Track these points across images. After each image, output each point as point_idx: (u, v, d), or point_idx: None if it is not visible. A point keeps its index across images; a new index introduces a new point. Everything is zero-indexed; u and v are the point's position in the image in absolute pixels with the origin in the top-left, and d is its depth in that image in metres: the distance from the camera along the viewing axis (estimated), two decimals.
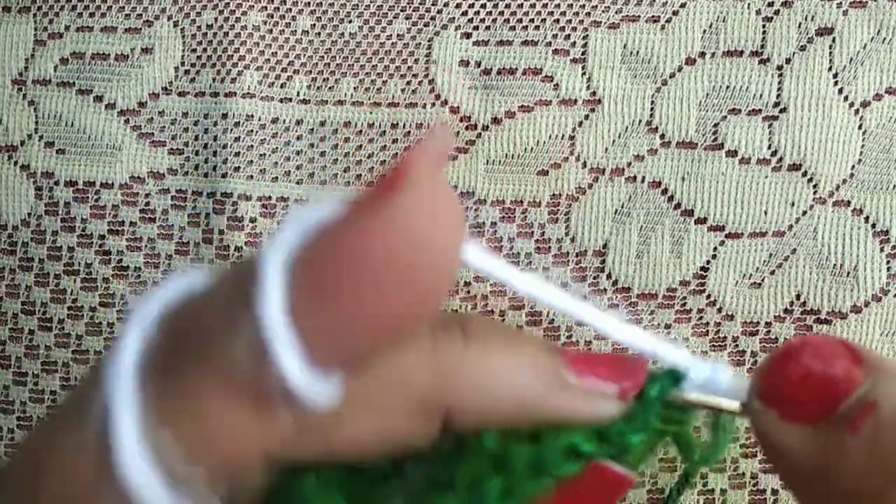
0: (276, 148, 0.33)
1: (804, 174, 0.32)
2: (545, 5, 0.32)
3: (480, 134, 0.32)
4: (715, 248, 0.32)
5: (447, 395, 0.18)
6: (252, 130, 0.33)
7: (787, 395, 0.19)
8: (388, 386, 0.17)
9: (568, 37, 0.32)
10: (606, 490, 0.19)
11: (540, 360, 0.19)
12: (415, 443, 0.19)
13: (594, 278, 0.32)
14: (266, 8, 0.33)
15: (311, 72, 0.33)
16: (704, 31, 0.32)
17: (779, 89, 0.32)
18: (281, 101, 0.33)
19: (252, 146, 0.33)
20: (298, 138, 0.33)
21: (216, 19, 0.33)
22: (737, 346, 0.33)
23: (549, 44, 0.32)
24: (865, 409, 0.18)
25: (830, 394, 0.18)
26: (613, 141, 0.32)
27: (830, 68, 0.32)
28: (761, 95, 0.32)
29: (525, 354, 0.19)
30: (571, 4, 0.32)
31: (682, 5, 0.32)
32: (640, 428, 0.20)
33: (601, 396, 0.20)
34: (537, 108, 0.32)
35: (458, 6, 0.33)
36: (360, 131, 0.33)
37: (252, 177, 0.33)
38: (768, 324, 0.32)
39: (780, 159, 0.32)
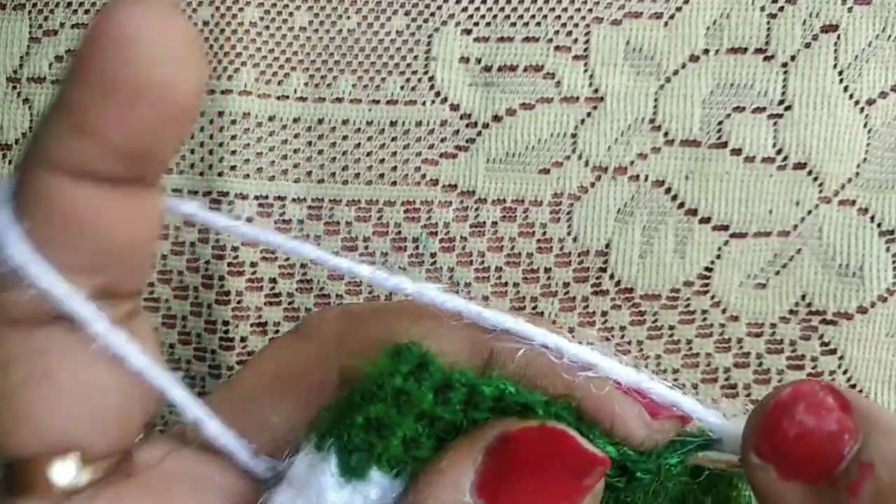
0: (273, 146, 0.33)
1: (809, 173, 0.32)
2: (546, 1, 0.32)
3: (481, 132, 0.32)
4: (719, 248, 0.32)
5: None
6: (248, 128, 0.32)
7: (783, 452, 0.19)
8: None
9: (570, 33, 0.32)
10: (570, 465, 0.19)
11: None
12: None
13: (596, 279, 0.32)
14: (263, 4, 0.33)
15: (308, 69, 0.33)
16: (708, 27, 0.32)
17: (783, 87, 0.32)
18: (278, 98, 0.33)
19: (249, 144, 0.32)
20: (296, 136, 0.33)
21: (212, 16, 0.33)
22: (741, 347, 0.32)
23: (551, 40, 0.32)
24: (863, 470, 0.18)
25: (828, 452, 0.18)
26: (616, 139, 0.32)
27: (835, 66, 0.32)
28: (766, 93, 0.32)
29: None
30: (573, 0, 0.32)
31: (686, 1, 0.32)
32: (650, 466, 0.20)
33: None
34: (539, 105, 0.32)
35: (458, 2, 0.32)
36: (359, 129, 0.33)
37: (248, 175, 0.32)
38: (773, 325, 0.32)
39: (785, 158, 0.32)
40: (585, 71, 0.32)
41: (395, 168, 0.33)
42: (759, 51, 0.32)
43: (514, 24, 0.32)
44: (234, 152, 0.32)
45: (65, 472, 0.18)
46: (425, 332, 0.20)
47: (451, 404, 0.19)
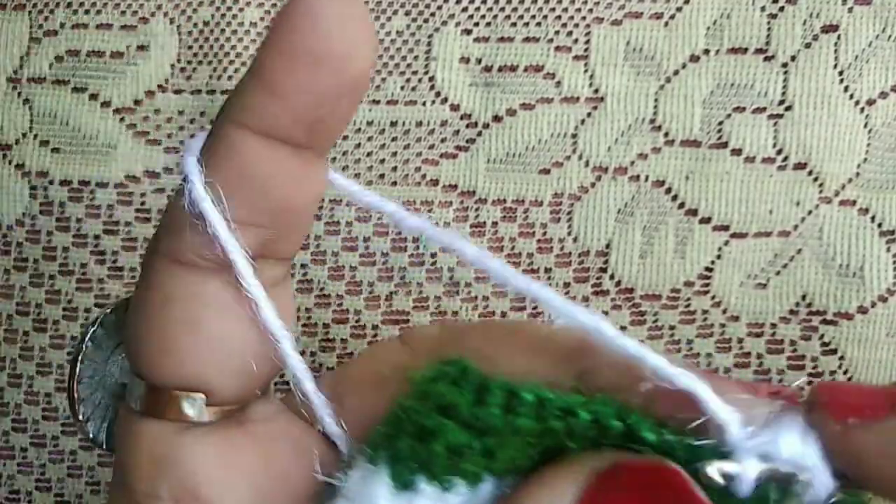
0: None
1: (809, 173, 0.32)
2: (547, 1, 0.32)
3: (481, 132, 0.32)
4: (719, 248, 0.32)
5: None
6: None
7: (851, 393, 0.19)
8: None
9: (570, 33, 0.32)
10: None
11: None
12: None
13: (597, 279, 0.32)
14: (263, 4, 0.33)
15: None
16: (708, 27, 0.32)
17: (784, 87, 0.32)
18: None
19: None
20: None
21: (212, 16, 0.33)
22: (742, 347, 0.32)
23: (551, 40, 0.32)
24: None
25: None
26: (616, 139, 0.32)
27: (836, 66, 0.32)
28: (766, 93, 0.32)
29: None
30: (574, 0, 0.32)
31: (686, 1, 0.32)
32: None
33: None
34: (539, 105, 0.32)
35: (458, 2, 0.32)
36: (359, 129, 0.33)
37: None
38: (774, 325, 0.32)
39: (786, 158, 0.32)
40: (586, 71, 0.32)
41: (395, 168, 0.33)
42: (759, 51, 0.32)
43: (514, 25, 0.32)
44: None
45: (192, 407, 0.20)
46: (515, 351, 0.21)
47: (490, 407, 0.18)
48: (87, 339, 0.23)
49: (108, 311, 0.23)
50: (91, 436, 0.23)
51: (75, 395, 0.22)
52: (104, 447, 0.23)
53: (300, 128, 0.19)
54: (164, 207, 0.33)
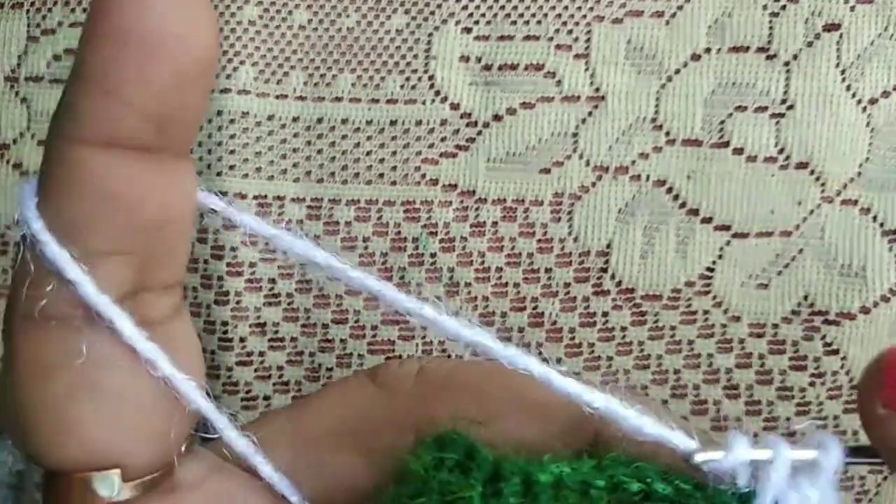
0: (272, 145, 0.33)
1: (811, 172, 0.32)
2: (547, 0, 0.32)
3: (481, 131, 0.32)
4: (721, 248, 0.32)
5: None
6: (247, 128, 0.32)
7: None
8: None
9: (571, 32, 0.32)
10: None
11: None
12: None
13: (597, 279, 0.32)
14: (262, 2, 0.33)
15: (307, 67, 0.33)
16: (710, 26, 0.32)
17: (786, 86, 0.32)
18: (277, 97, 0.32)
19: (247, 143, 0.32)
20: (295, 136, 0.33)
21: None
22: (743, 347, 0.32)
23: (552, 39, 0.32)
24: None
25: None
26: (617, 138, 0.32)
27: (838, 65, 0.32)
28: (768, 92, 0.32)
29: None
30: None
31: (688, 0, 0.32)
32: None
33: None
34: (539, 104, 0.32)
35: (458, 0, 0.32)
36: (358, 128, 0.33)
37: (247, 175, 0.32)
38: (775, 325, 0.32)
39: (787, 157, 0.32)
40: (586, 70, 0.32)
41: (394, 167, 0.33)
42: (761, 50, 0.32)
43: (514, 23, 0.32)
44: (232, 152, 0.32)
45: (105, 488, 0.17)
46: (512, 411, 0.19)
47: (504, 497, 0.17)
48: None
49: None
50: None
51: None
52: None
53: (146, 127, 0.16)
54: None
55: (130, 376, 0.17)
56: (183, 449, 0.18)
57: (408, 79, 0.32)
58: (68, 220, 0.16)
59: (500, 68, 0.32)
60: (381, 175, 0.33)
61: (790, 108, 0.32)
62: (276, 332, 0.33)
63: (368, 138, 0.33)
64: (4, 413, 0.18)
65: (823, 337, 0.32)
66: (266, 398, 0.33)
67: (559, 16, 0.32)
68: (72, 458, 0.17)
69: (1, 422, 0.18)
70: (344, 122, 0.33)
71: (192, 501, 0.18)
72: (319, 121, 0.33)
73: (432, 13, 0.32)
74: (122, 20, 0.15)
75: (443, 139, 0.32)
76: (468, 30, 0.32)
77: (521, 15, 0.32)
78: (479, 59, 0.32)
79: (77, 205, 0.16)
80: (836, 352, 0.32)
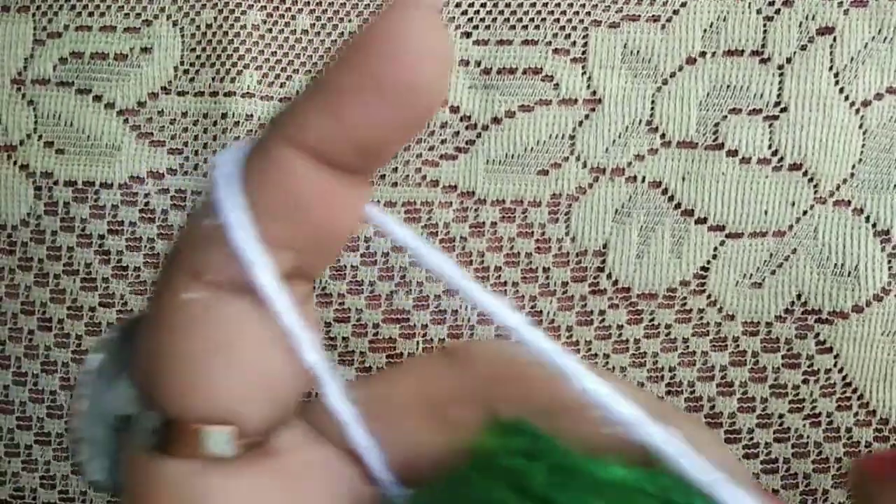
0: None
1: (805, 174, 0.32)
2: (545, 4, 0.32)
3: (480, 133, 0.32)
4: (715, 248, 0.32)
5: None
6: (251, 130, 0.33)
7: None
8: None
9: (568, 36, 0.32)
10: None
11: None
12: None
13: (594, 278, 0.32)
14: (265, 7, 0.33)
15: (310, 71, 0.33)
16: (705, 30, 0.32)
17: (779, 89, 0.32)
18: (280, 100, 0.33)
19: None
20: None
21: (215, 18, 0.33)
22: (737, 346, 0.32)
23: (550, 43, 0.32)
24: None
25: None
26: (614, 140, 0.32)
27: (831, 68, 0.32)
28: (762, 95, 0.32)
29: None
30: (572, 4, 0.32)
31: (683, 4, 0.32)
32: None
33: None
34: (537, 107, 0.32)
35: (457, 5, 0.32)
36: None
37: None
38: (769, 324, 0.32)
39: (781, 159, 0.32)
40: (583, 73, 0.32)
41: (395, 169, 0.33)
42: (755, 53, 0.32)
43: (513, 28, 0.32)
44: None
45: (217, 442, 0.18)
46: (571, 409, 0.19)
47: (571, 491, 0.17)
48: (90, 368, 0.20)
49: (112, 333, 0.20)
50: (94, 478, 0.20)
51: (76, 433, 0.19)
52: (110, 491, 0.20)
53: (357, 154, 0.17)
54: (167, 208, 0.33)
55: (264, 343, 0.18)
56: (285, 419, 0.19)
57: None
58: (262, 207, 0.17)
59: (498, 72, 0.32)
60: (383, 176, 0.33)
61: (784, 110, 0.32)
62: None
63: None
64: (137, 358, 0.19)
65: (817, 335, 0.32)
66: None
67: (557, 20, 0.32)
68: (195, 408, 0.18)
69: (130, 364, 0.19)
70: None
71: (288, 466, 0.19)
72: None
73: None
74: (376, 62, 0.16)
75: (443, 141, 0.33)
76: (468, 34, 0.33)
77: (520, 20, 0.32)
78: (478, 63, 0.32)
79: (274, 198, 0.17)
80: (829, 350, 0.32)
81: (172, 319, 0.18)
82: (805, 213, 0.32)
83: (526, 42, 0.32)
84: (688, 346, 0.32)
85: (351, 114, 0.17)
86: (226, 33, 0.33)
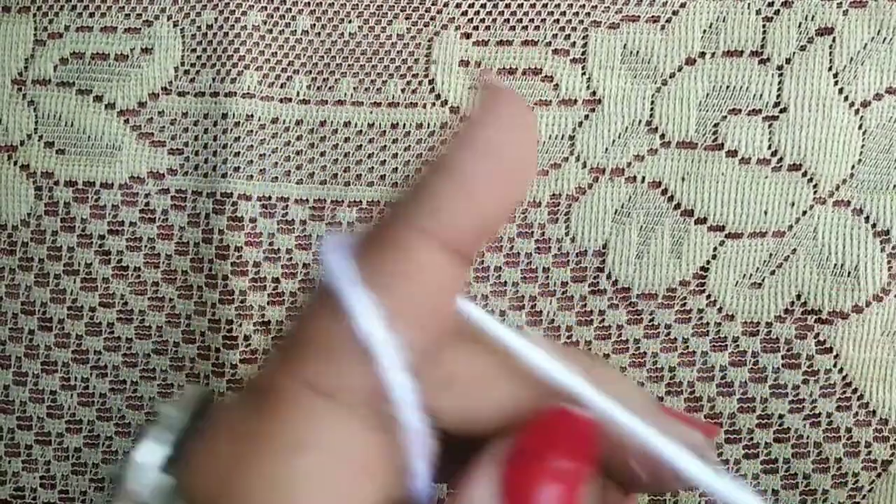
0: (276, 148, 0.33)
1: (804, 174, 0.32)
2: (545, 5, 0.32)
3: None
4: (715, 249, 0.32)
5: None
6: (252, 130, 0.33)
7: None
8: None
9: (568, 37, 0.32)
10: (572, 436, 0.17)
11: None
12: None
13: (594, 278, 0.32)
14: (266, 8, 0.33)
15: (311, 72, 0.33)
16: (704, 30, 0.32)
17: (779, 89, 0.32)
18: (281, 101, 0.33)
19: (252, 146, 0.33)
20: (298, 138, 0.33)
21: (216, 19, 0.33)
22: (737, 346, 0.32)
23: (549, 44, 0.32)
24: None
25: None
26: (613, 141, 0.32)
27: (831, 68, 0.32)
28: (761, 95, 0.32)
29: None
30: (571, 4, 0.32)
31: (682, 5, 0.32)
32: None
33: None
34: (537, 108, 0.32)
35: (458, 6, 0.33)
36: (360, 131, 0.33)
37: (252, 177, 0.33)
38: (769, 324, 0.32)
39: (780, 159, 0.32)
40: (583, 74, 0.32)
41: (395, 169, 0.33)
42: (754, 53, 0.32)
43: (512, 28, 0.32)
44: (237, 154, 0.33)
45: None
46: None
47: None
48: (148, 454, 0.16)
49: (172, 411, 0.17)
50: None
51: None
52: None
53: (476, 240, 0.17)
54: (167, 208, 0.33)
55: (369, 474, 0.16)
56: None
57: (409, 83, 0.33)
58: (389, 303, 0.16)
59: (498, 73, 0.32)
60: (383, 177, 0.33)
61: (783, 110, 0.32)
62: (280, 330, 0.33)
63: (370, 141, 0.33)
64: (219, 457, 0.16)
65: (816, 335, 0.32)
66: None
67: (556, 21, 0.32)
68: None
69: (190, 459, 0.16)
70: (346, 125, 0.33)
71: None
72: (322, 124, 0.33)
73: (432, 19, 0.33)
74: (501, 145, 0.17)
75: (443, 142, 0.33)
76: (468, 35, 0.33)
77: (520, 20, 0.32)
78: (478, 64, 0.32)
79: (405, 291, 0.16)
80: (828, 350, 0.32)
81: (278, 438, 0.15)
82: (805, 213, 0.32)
83: (526, 42, 0.32)
84: (687, 347, 0.32)
85: (485, 199, 0.16)
86: (226, 34, 0.33)
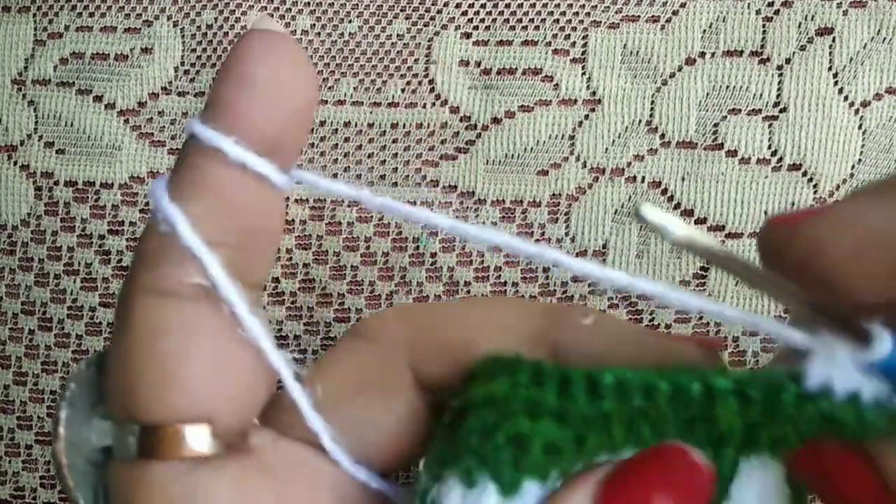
0: None
1: (804, 174, 0.32)
2: (545, 5, 0.32)
3: (480, 134, 0.32)
4: None
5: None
6: None
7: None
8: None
9: (568, 37, 0.32)
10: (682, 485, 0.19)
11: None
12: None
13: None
14: (266, 8, 0.33)
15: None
16: (704, 30, 0.32)
17: (779, 89, 0.32)
18: None
19: None
20: None
21: (216, 19, 0.33)
22: (737, 346, 0.33)
23: (549, 44, 0.32)
24: None
25: None
26: (613, 141, 0.32)
27: (830, 68, 0.32)
28: (761, 95, 0.32)
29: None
30: (571, 4, 0.32)
31: (682, 5, 0.32)
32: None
33: None
34: (537, 108, 0.32)
35: (457, 6, 0.33)
36: (360, 131, 0.33)
37: None
38: None
39: (780, 159, 0.32)
40: (583, 74, 0.32)
41: (395, 169, 0.33)
42: (754, 53, 0.32)
43: (512, 28, 0.33)
44: None
45: (197, 440, 0.19)
46: (488, 334, 0.21)
47: (576, 397, 0.19)
48: (64, 400, 0.21)
49: (82, 367, 0.21)
50: None
51: (63, 462, 0.20)
52: None
53: (260, 148, 0.19)
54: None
55: (228, 345, 0.19)
56: (256, 420, 0.21)
57: (408, 83, 0.33)
58: (193, 213, 0.19)
59: (498, 72, 0.32)
60: (383, 176, 0.33)
61: (783, 110, 0.32)
62: (280, 329, 0.33)
63: (370, 141, 0.33)
64: (110, 378, 0.20)
65: None
66: None
67: (556, 21, 0.32)
68: (169, 410, 0.19)
69: (103, 389, 0.20)
70: (346, 124, 0.33)
71: (269, 463, 0.20)
72: (322, 123, 0.33)
73: (432, 19, 0.33)
74: (249, 69, 0.19)
75: (443, 142, 0.33)
76: (467, 35, 0.33)
77: (520, 20, 0.33)
78: (478, 64, 0.32)
79: (202, 202, 0.19)
80: None
81: (138, 335, 0.19)
82: None
83: (526, 42, 0.32)
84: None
85: (242, 113, 0.19)
86: (226, 34, 0.33)
